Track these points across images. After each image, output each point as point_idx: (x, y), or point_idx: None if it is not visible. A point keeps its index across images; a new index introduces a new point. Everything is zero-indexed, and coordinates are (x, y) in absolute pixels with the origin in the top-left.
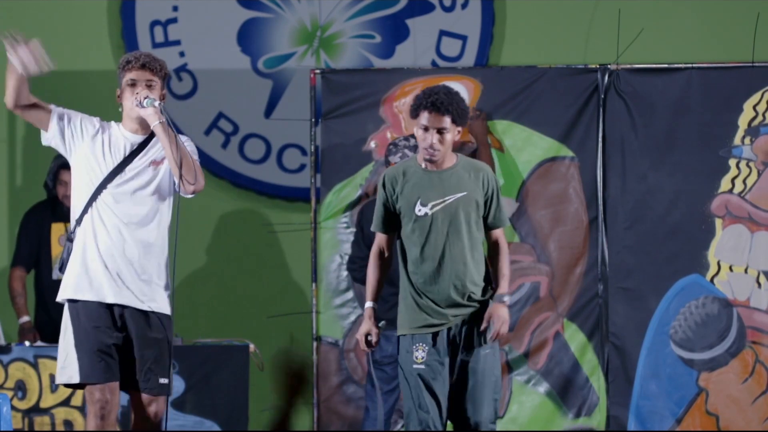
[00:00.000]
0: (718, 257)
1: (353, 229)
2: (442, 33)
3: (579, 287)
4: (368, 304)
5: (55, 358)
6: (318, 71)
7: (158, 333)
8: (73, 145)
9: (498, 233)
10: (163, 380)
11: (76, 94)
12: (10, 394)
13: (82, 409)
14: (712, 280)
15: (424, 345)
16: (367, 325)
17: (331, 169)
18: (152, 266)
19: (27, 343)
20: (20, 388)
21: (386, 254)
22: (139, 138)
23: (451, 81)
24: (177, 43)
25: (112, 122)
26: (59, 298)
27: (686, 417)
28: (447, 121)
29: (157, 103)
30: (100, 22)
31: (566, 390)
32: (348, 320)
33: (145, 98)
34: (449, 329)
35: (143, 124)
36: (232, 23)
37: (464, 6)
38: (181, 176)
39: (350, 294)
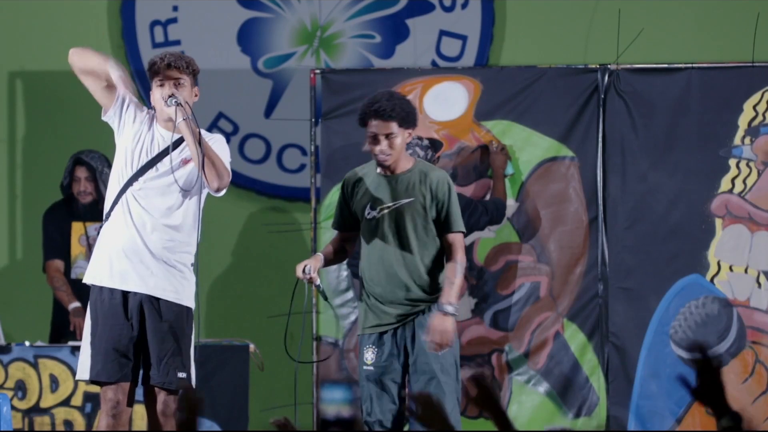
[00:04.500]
0: (718, 257)
1: None
2: (442, 33)
3: (579, 287)
4: (319, 254)
5: (55, 359)
6: (318, 71)
7: (178, 325)
8: (122, 131)
9: (451, 239)
10: (182, 374)
11: (76, 94)
12: (10, 394)
13: (82, 409)
14: (712, 280)
15: (374, 347)
16: (310, 260)
17: (331, 169)
18: (178, 257)
19: (27, 343)
20: (20, 388)
21: (345, 250)
22: (174, 136)
23: (451, 81)
24: (177, 43)
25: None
26: (84, 280)
27: (686, 417)
28: (393, 126)
29: (175, 101)
30: (100, 22)
31: (566, 390)
32: (348, 320)
33: (169, 97)
34: (397, 330)
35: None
36: (232, 23)
37: (464, 6)
38: (203, 174)
39: (350, 294)
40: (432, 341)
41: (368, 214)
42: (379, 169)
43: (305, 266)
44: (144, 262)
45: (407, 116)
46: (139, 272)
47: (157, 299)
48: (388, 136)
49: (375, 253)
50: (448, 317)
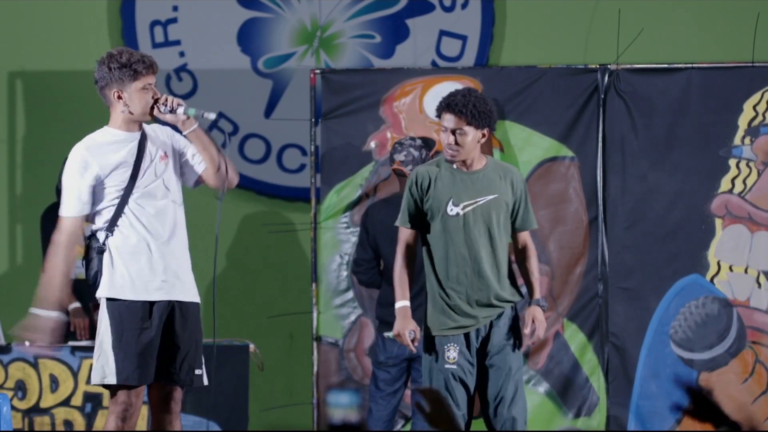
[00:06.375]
0: (718, 257)
1: (353, 229)
2: (442, 33)
3: (579, 287)
4: (405, 303)
5: (55, 359)
6: (318, 71)
7: (194, 324)
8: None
9: (526, 236)
10: (198, 371)
11: (76, 94)
12: (10, 394)
13: (82, 409)
14: (712, 280)
15: (456, 345)
16: (408, 322)
17: (331, 169)
18: (186, 257)
19: (27, 343)
20: (20, 388)
21: (413, 250)
22: (136, 135)
23: (451, 81)
24: (177, 43)
25: (94, 135)
26: (99, 294)
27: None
28: (462, 122)
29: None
30: (100, 22)
31: (566, 390)
32: (348, 320)
33: (178, 105)
34: (478, 330)
35: (138, 123)
36: (232, 23)
37: (464, 6)
38: (217, 174)
39: (350, 294)
40: (534, 332)
41: (451, 210)
42: (454, 165)
43: (408, 332)
44: (167, 269)
45: (479, 115)
46: (160, 279)
47: (178, 301)
48: (455, 131)
49: (458, 251)
50: (541, 311)
